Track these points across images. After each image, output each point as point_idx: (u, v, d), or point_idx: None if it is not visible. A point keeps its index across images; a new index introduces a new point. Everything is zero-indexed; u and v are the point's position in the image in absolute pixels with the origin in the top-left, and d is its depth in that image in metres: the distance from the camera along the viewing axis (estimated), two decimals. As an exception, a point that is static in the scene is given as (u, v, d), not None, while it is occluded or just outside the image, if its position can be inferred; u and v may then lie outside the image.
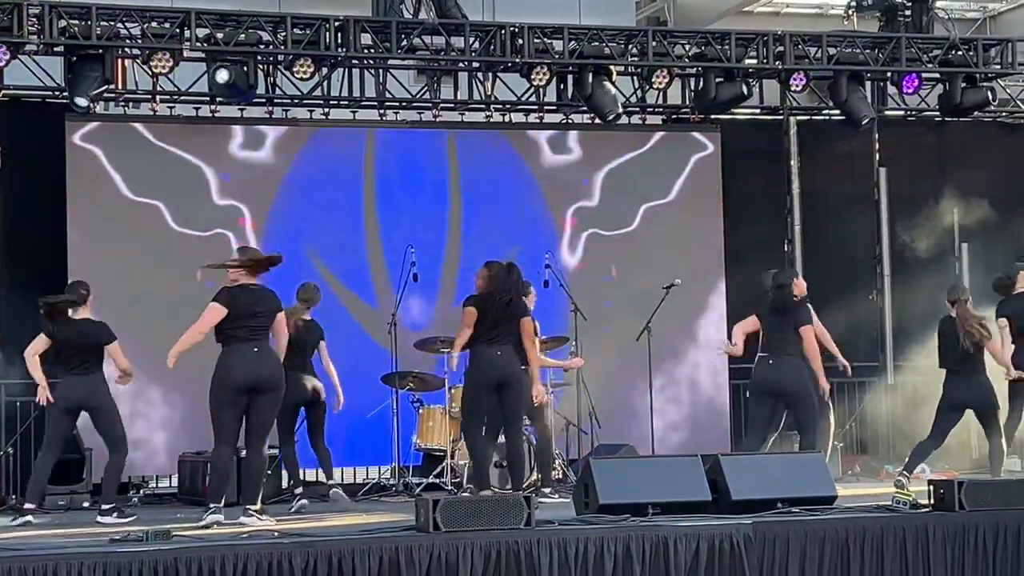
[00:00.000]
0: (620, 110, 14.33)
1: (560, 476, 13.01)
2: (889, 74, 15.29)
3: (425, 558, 8.79)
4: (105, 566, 8.25)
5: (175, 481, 13.38)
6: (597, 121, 14.88)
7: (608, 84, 14.23)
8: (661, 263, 14.72)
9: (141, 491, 13.46)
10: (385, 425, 13.37)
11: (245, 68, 13.31)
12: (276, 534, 9.10)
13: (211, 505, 10.18)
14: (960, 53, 15.26)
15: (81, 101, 12.97)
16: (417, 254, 13.39)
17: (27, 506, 10.86)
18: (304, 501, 11.49)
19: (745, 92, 14.56)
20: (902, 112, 16.08)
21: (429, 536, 8.89)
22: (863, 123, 14.87)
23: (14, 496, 12.52)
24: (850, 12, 16.32)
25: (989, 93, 15.30)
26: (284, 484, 12.57)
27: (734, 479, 10.02)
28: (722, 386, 14.91)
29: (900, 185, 15.64)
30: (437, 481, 12.82)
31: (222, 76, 13.27)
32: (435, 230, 14.61)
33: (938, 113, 15.90)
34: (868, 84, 15.38)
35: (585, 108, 14.58)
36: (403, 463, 13.21)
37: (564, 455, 13.49)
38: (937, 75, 15.44)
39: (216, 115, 14.02)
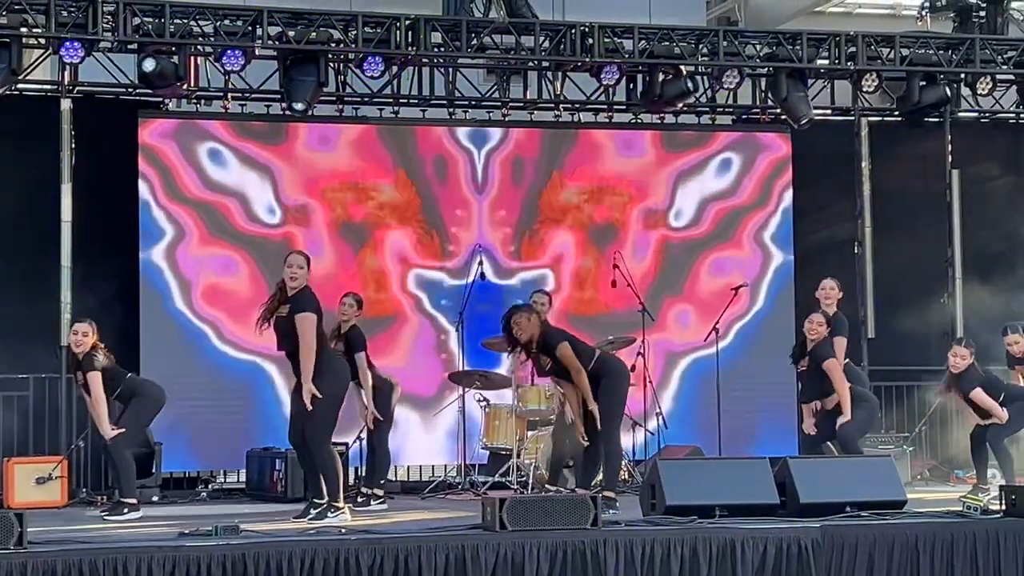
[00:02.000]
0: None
1: (626, 477, 12.99)
2: (963, 75, 15.14)
3: (491, 557, 8.79)
4: (175, 560, 8.31)
5: (243, 476, 13.45)
6: (667, 120, 14.84)
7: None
8: (729, 264, 14.65)
9: (209, 485, 13.53)
10: (452, 423, 13.40)
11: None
12: (343, 531, 9.13)
13: (337, 505, 10.18)
14: (1035, 54, 15.10)
15: (148, 64, 12.91)
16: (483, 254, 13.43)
17: None
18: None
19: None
20: (976, 113, 15.92)
21: (496, 535, 8.89)
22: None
23: (85, 490, 12.65)
24: (923, 13, 16.20)
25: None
26: (350, 481, 12.63)
27: (803, 482, 9.96)
28: (790, 390, 14.80)
29: (973, 187, 15.48)
30: (503, 480, 12.82)
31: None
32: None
33: (1012, 115, 15.73)
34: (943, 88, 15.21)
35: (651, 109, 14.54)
36: (469, 462, 13.21)
37: (631, 456, 13.46)
38: (1012, 76, 15.27)
39: (286, 113, 14.08)
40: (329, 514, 10.06)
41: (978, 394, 11.90)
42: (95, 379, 10.87)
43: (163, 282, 13.69)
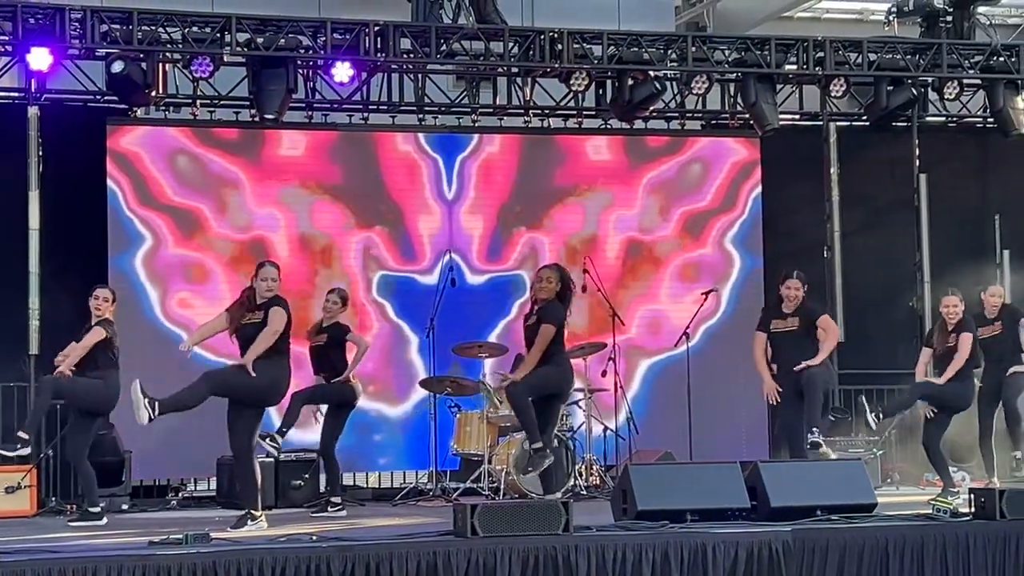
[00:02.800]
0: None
1: (598, 482, 13.00)
2: (930, 80, 15.21)
3: (463, 563, 8.77)
4: (145, 569, 8.26)
5: (214, 484, 13.41)
6: (636, 126, 14.87)
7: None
8: (699, 269, 14.68)
9: (180, 493, 13.48)
10: (423, 430, 13.39)
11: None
12: (314, 538, 9.11)
13: (254, 514, 10.20)
14: (1002, 59, 15.18)
15: (116, 66, 12.93)
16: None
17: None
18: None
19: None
20: (943, 118, 16.00)
21: (467, 541, 8.87)
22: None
23: (54, 499, 12.58)
24: (891, 18, 16.24)
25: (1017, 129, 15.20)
26: (321, 488, 12.60)
27: (773, 486, 9.97)
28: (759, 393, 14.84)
29: (941, 191, 15.55)
30: (475, 486, 12.81)
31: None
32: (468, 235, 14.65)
33: (980, 119, 15.81)
34: (909, 90, 15.28)
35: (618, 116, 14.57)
36: (440, 468, 13.21)
37: (602, 461, 13.48)
38: (979, 81, 15.35)
39: (256, 120, 14.07)
40: (249, 522, 10.09)
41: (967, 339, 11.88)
42: (96, 333, 11.06)
43: (132, 289, 13.66)
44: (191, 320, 13.64)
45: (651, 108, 14.59)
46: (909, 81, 15.03)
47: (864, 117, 15.48)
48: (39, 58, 12.76)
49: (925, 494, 12.04)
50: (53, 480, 12.87)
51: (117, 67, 12.97)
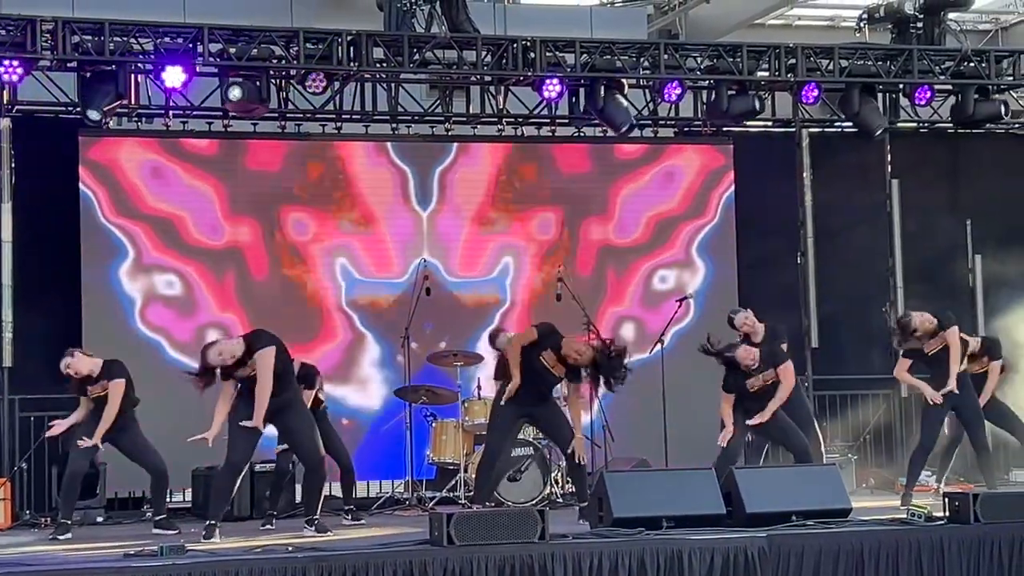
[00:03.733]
0: (632, 121, 14.34)
1: (575, 490, 12.98)
2: (901, 86, 15.29)
3: (439, 572, 8.78)
4: (120, 581, 8.26)
5: (189, 495, 13.36)
6: (609, 134, 14.90)
7: (620, 96, 14.24)
8: (673, 275, 14.71)
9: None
10: (399, 439, 13.37)
11: (257, 83, 13.33)
12: (290, 548, 9.09)
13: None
14: (972, 65, 15.25)
15: (93, 115, 13.01)
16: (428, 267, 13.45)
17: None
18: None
19: (757, 107, 14.54)
20: (915, 124, 16.07)
21: (443, 550, 8.87)
22: (876, 134, 14.84)
23: (28, 512, 12.53)
24: (862, 24, 16.33)
25: (1002, 106, 15.29)
26: (298, 499, 12.57)
27: (748, 492, 10.00)
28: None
29: (913, 197, 15.61)
30: (451, 495, 12.80)
31: (235, 94, 13.26)
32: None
33: (951, 125, 15.89)
34: (880, 96, 15.35)
35: (597, 121, 14.59)
36: (417, 477, 13.19)
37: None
38: (949, 87, 15.43)
39: (229, 129, 14.04)
40: (216, 533, 10.37)
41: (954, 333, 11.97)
42: (117, 387, 11.10)
43: (105, 300, 13.63)
44: (168, 327, 13.61)
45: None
46: (880, 87, 15.10)
47: (836, 123, 15.55)
48: (11, 70, 12.71)
49: (900, 498, 12.06)
50: (27, 493, 12.82)
51: (94, 116, 12.99)
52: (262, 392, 10.30)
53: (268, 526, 11.66)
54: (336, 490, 12.31)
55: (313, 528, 10.66)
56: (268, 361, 10.30)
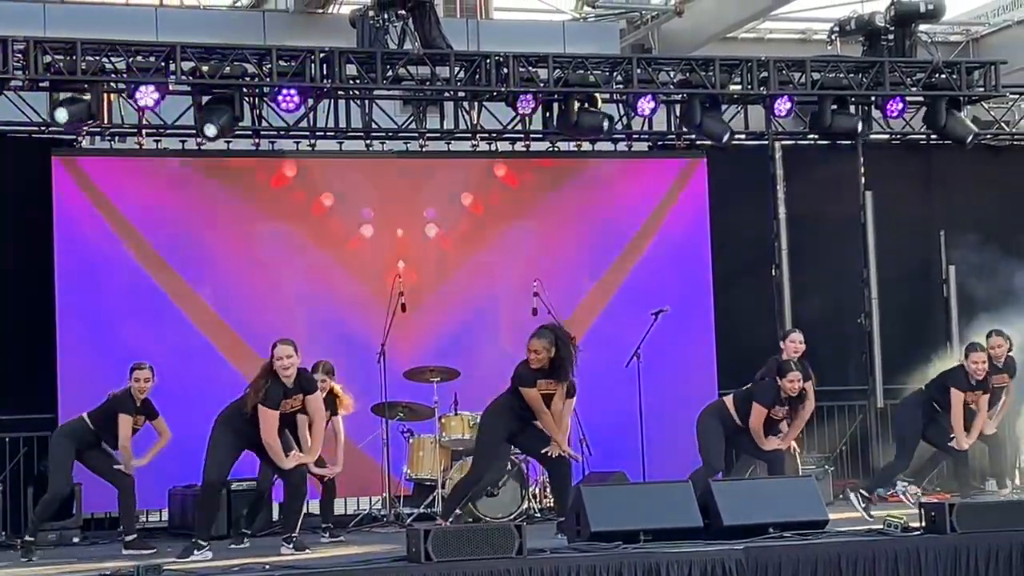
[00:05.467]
0: (605, 125, 14.35)
1: (552, 504, 12.97)
2: (873, 98, 15.35)
3: (417, 588, 8.77)
4: (96, 601, 8.24)
5: (166, 515, 13.32)
6: (584, 147, 14.93)
7: (592, 108, 14.28)
8: (649, 290, 14.73)
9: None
10: (375, 455, 13.35)
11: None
12: (267, 567, 9.07)
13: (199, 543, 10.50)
14: (943, 76, 15.33)
15: (60, 115, 12.91)
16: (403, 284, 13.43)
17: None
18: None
19: (727, 137, 14.62)
20: (887, 136, 16.14)
21: (420, 566, 8.87)
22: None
23: (3, 533, 12.47)
24: (833, 37, 16.40)
25: (972, 131, 15.38)
26: (275, 517, 12.55)
27: (725, 504, 10.02)
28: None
29: (886, 208, 15.66)
30: (428, 511, 12.79)
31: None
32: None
33: (923, 136, 15.96)
34: (852, 107, 15.42)
35: (567, 137, 14.63)
36: (394, 493, 13.17)
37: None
38: (921, 99, 15.49)
39: (202, 148, 14.02)
40: (195, 552, 10.43)
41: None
42: (124, 421, 11.41)
43: (81, 320, 13.57)
44: (147, 347, 13.54)
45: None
46: (853, 101, 15.16)
47: (809, 133, 15.61)
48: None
49: (877, 509, 12.10)
50: (3, 515, 12.75)
51: (61, 116, 12.94)
52: (318, 434, 10.84)
53: (241, 544, 11.60)
54: (314, 507, 12.28)
55: (291, 546, 10.65)
56: (320, 405, 10.89)
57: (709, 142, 15.20)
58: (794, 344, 12.70)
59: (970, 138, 15.40)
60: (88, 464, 11.59)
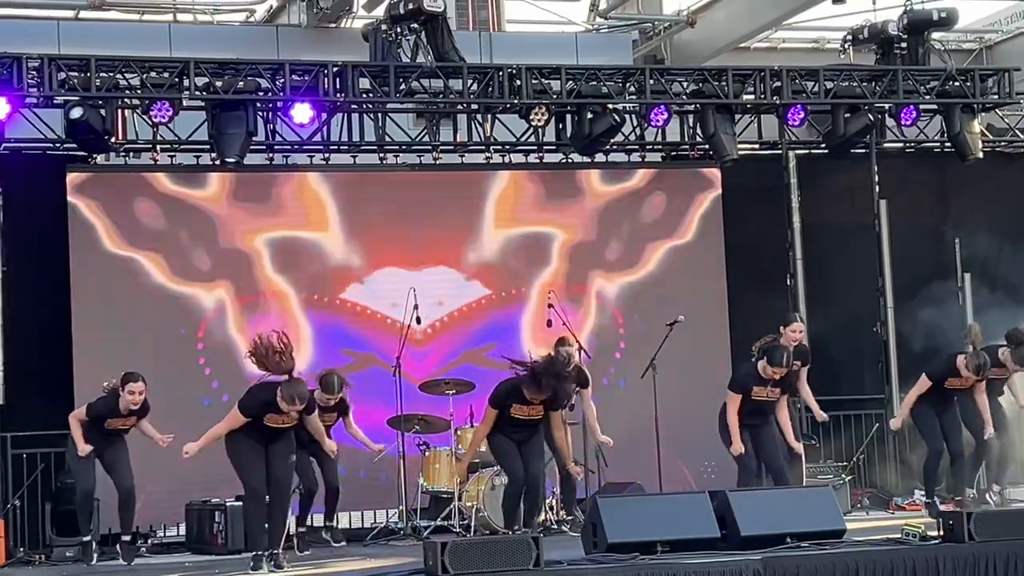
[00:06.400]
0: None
1: (565, 516, 12.98)
2: (887, 107, 15.33)
3: (434, 601, 8.76)
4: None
5: (183, 529, 13.33)
6: (597, 159, 14.94)
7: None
8: (664, 300, 14.72)
9: (149, 540, 13.38)
10: (391, 468, 13.35)
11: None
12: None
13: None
14: (957, 84, 15.31)
15: (75, 112, 12.94)
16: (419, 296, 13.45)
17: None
18: None
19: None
20: (901, 144, 16.12)
21: (438, 579, 8.86)
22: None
23: (22, 549, 12.49)
24: (846, 46, 16.37)
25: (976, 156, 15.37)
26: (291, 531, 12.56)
27: (742, 515, 10.00)
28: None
29: (901, 216, 15.64)
30: (445, 524, 12.78)
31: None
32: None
33: (937, 144, 15.93)
34: (866, 116, 15.40)
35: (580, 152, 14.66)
36: (410, 506, 13.17)
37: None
38: (935, 107, 15.47)
39: (217, 163, 14.05)
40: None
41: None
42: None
43: (96, 334, 13.59)
44: (164, 360, 13.53)
45: (611, 140, 14.65)
46: (866, 108, 15.14)
47: (823, 144, 15.59)
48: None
49: (895, 519, 12.08)
50: (21, 531, 12.78)
51: (75, 113, 12.96)
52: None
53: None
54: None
55: (272, 563, 10.60)
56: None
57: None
58: (794, 333, 12.79)
59: (970, 157, 15.31)
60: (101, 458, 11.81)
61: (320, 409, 11.32)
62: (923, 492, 12.78)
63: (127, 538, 11.79)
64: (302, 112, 13.49)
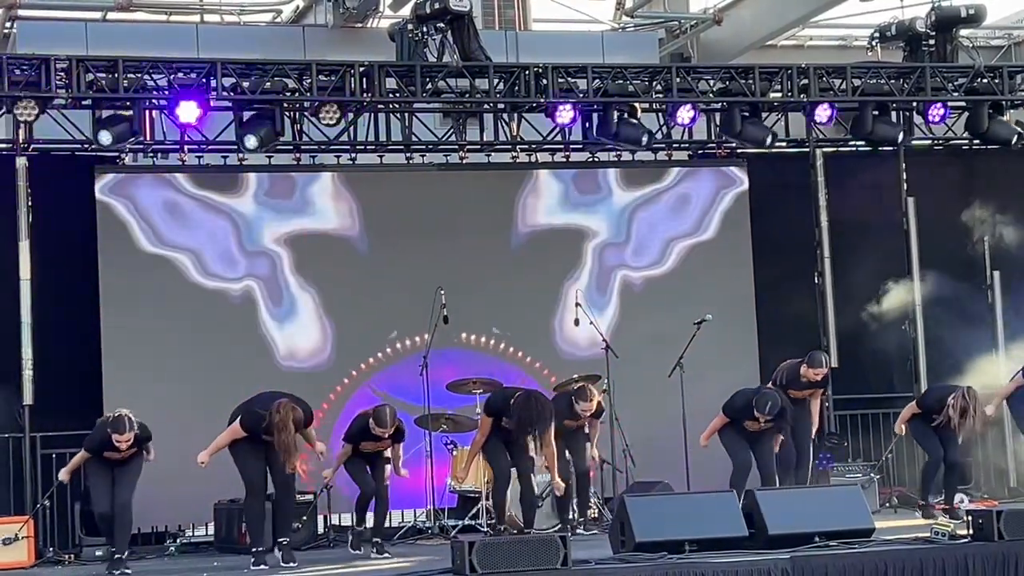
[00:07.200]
0: (649, 132, 14.35)
1: (596, 515, 12.98)
2: (915, 104, 15.27)
3: (462, 600, 8.77)
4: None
5: (211, 529, 13.36)
6: (624, 158, 14.92)
7: (629, 117, 14.28)
8: (691, 299, 14.69)
9: (178, 540, 13.42)
10: (419, 467, 13.36)
11: (273, 122, 13.36)
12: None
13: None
14: (985, 81, 15.24)
15: (104, 137, 13.05)
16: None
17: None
18: None
19: (769, 139, 14.68)
20: (929, 141, 16.05)
21: (466, 578, 8.87)
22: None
23: (52, 549, 12.54)
24: (874, 43, 16.32)
25: (1017, 132, 15.31)
26: (320, 530, 12.58)
27: (771, 514, 9.98)
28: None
29: (929, 214, 15.58)
30: (473, 523, 12.79)
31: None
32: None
33: (966, 141, 15.86)
34: (894, 114, 15.35)
35: (611, 146, 14.61)
36: (438, 505, 13.18)
37: (599, 493, 13.45)
38: (963, 104, 15.41)
39: (244, 163, 14.08)
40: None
41: None
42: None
43: (125, 337, 13.64)
44: (192, 362, 13.56)
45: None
46: (894, 106, 15.09)
47: (850, 142, 15.54)
48: (27, 110, 12.78)
49: (923, 518, 12.03)
50: (50, 531, 12.83)
51: (105, 139, 13.06)
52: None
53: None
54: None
55: (280, 553, 10.84)
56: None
57: (750, 150, 15.16)
58: (814, 374, 12.73)
59: (1015, 139, 15.30)
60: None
61: (375, 439, 11.63)
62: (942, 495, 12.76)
63: (119, 556, 11.26)
64: (188, 111, 13.22)
